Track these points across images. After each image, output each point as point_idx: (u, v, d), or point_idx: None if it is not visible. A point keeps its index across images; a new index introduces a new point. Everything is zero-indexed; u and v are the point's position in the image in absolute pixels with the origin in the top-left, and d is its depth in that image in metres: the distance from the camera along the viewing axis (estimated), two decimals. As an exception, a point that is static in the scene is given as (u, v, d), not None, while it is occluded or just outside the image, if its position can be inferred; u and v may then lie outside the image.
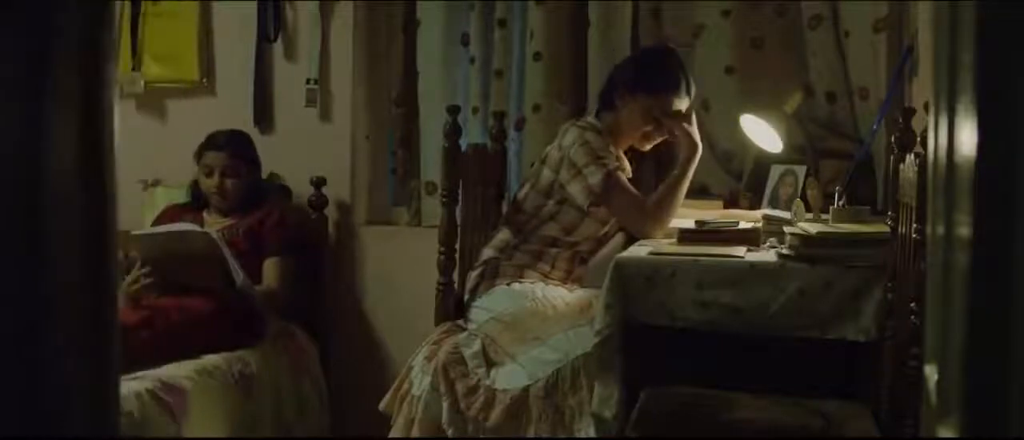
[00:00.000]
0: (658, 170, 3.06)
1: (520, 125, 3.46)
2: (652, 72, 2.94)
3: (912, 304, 1.98)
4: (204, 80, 3.67)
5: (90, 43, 0.80)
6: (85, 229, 0.80)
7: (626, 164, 2.99)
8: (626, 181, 2.86)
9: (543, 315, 2.71)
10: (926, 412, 1.06)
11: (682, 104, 2.92)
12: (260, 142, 3.51)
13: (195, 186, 3.39)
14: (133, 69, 3.66)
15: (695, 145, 2.89)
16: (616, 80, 2.96)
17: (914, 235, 1.97)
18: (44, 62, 0.77)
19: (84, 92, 0.79)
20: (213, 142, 3.32)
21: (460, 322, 2.91)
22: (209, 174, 3.31)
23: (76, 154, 0.78)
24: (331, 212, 3.57)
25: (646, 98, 2.89)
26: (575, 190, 2.84)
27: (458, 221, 3.09)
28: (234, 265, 3.02)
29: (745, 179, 3.22)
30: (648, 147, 2.98)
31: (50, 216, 0.77)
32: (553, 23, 3.36)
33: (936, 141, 0.97)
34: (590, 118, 2.98)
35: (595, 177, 2.81)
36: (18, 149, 0.76)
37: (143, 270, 2.99)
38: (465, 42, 3.54)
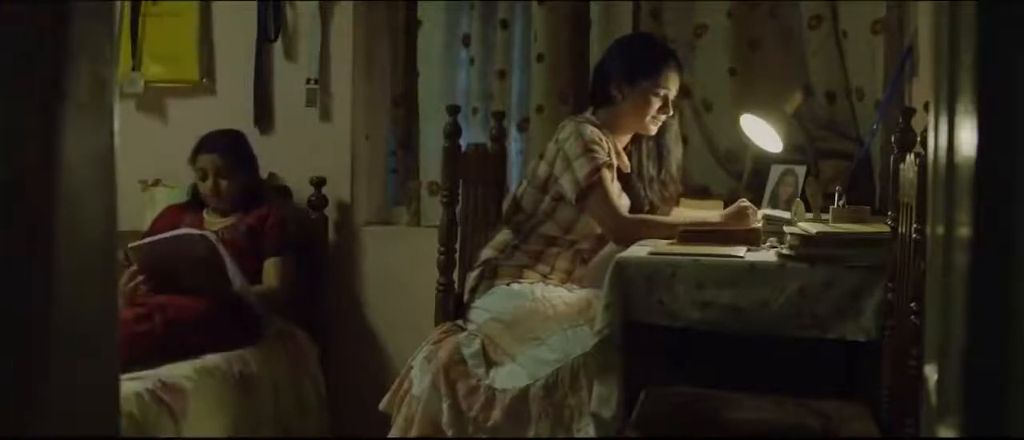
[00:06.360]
0: (660, 161, 3.05)
1: (523, 126, 3.47)
2: (644, 55, 2.96)
3: (912, 304, 1.98)
4: (204, 80, 3.67)
5: (90, 43, 0.80)
6: (86, 229, 0.80)
7: (625, 159, 2.99)
8: (610, 183, 2.86)
9: (543, 315, 2.71)
10: (926, 412, 1.06)
11: (677, 80, 2.95)
12: (260, 142, 3.51)
13: (195, 186, 3.39)
14: (133, 69, 3.65)
15: (741, 227, 2.74)
16: (608, 74, 2.96)
17: (914, 235, 1.97)
18: (44, 63, 0.77)
19: (85, 92, 0.79)
20: (205, 145, 3.31)
21: (460, 322, 2.91)
22: (204, 177, 3.30)
23: (77, 154, 0.78)
24: (331, 212, 3.57)
25: (646, 81, 2.91)
26: (565, 182, 2.85)
27: (458, 221, 3.09)
28: (232, 269, 3.02)
29: (745, 179, 3.22)
30: (655, 128, 2.98)
31: (51, 216, 0.77)
32: (554, 24, 3.36)
33: (936, 141, 0.97)
34: (588, 114, 2.99)
35: (583, 169, 2.82)
36: (19, 149, 0.76)
37: (140, 278, 2.99)
38: (466, 43, 3.54)
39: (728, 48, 3.27)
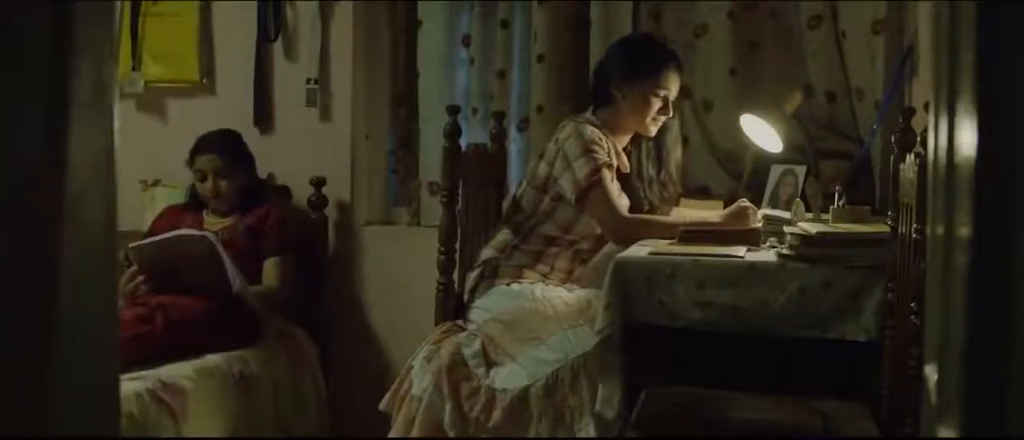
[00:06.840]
0: (659, 162, 3.05)
1: (523, 126, 3.47)
2: (644, 56, 2.95)
3: (912, 304, 1.98)
4: (204, 80, 3.67)
5: (90, 43, 0.80)
6: (86, 229, 0.80)
7: (624, 160, 2.99)
8: (610, 183, 2.86)
9: (543, 315, 2.71)
10: (926, 412, 1.06)
11: (677, 81, 2.94)
12: (260, 142, 3.51)
13: (193, 187, 3.39)
14: (133, 69, 3.65)
15: (741, 227, 2.75)
16: (608, 74, 2.96)
17: (914, 235, 1.97)
18: (44, 63, 0.77)
19: (85, 92, 0.79)
20: (202, 146, 3.31)
21: (460, 322, 2.91)
22: (203, 178, 3.30)
23: (77, 154, 0.78)
24: (331, 212, 3.56)
25: (646, 82, 2.90)
26: (565, 182, 2.85)
27: (458, 221, 3.09)
28: (232, 269, 3.02)
29: (745, 179, 3.23)
30: (655, 129, 2.98)
31: (52, 216, 0.77)
32: (554, 24, 3.36)
33: (936, 141, 0.97)
34: (588, 114, 2.99)
35: (583, 169, 2.82)
36: (19, 149, 0.76)
37: (140, 278, 3.00)
38: (466, 43, 3.54)
39: (728, 48, 3.27)
